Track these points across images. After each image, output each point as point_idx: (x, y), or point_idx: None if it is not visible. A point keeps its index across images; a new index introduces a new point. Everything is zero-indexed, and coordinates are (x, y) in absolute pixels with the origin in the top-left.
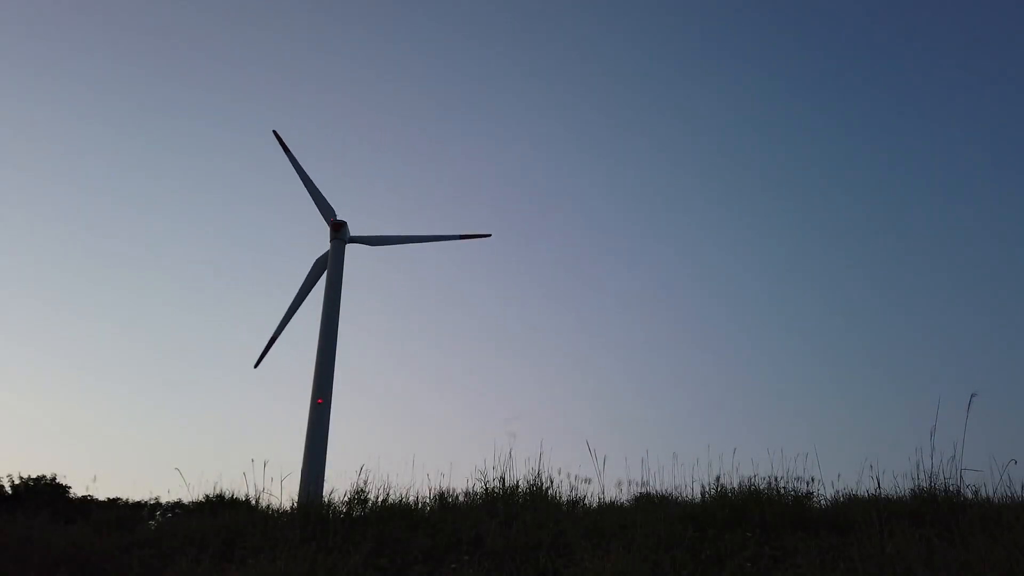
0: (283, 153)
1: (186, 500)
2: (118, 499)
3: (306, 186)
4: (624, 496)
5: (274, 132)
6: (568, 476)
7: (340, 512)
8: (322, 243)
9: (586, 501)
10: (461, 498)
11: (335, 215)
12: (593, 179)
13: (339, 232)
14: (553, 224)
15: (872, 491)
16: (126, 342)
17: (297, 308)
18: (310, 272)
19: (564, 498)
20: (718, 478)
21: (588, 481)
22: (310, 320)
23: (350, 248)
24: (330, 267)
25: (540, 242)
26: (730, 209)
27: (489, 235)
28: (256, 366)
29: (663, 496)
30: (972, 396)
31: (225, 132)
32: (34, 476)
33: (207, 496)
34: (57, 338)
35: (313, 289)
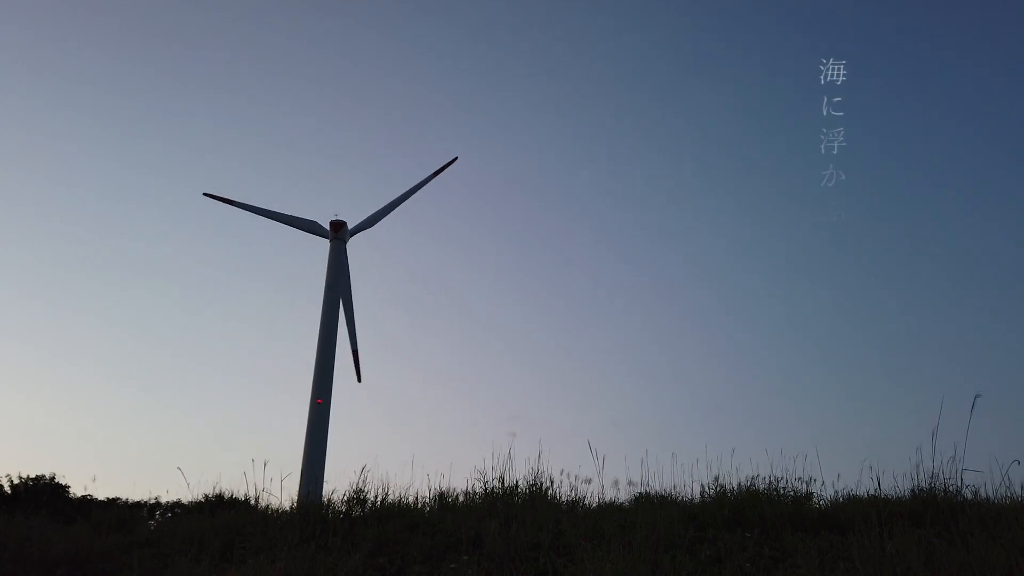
0: (231, 207)
1: (186, 500)
2: (117, 499)
3: (277, 220)
4: (624, 496)
5: (205, 194)
6: (568, 476)
7: (340, 512)
8: (323, 242)
9: (586, 501)
10: (461, 498)
11: (320, 224)
12: (594, 178)
13: (339, 232)
14: (554, 223)
15: (872, 491)
16: (126, 342)
17: (351, 308)
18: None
19: (564, 498)
20: (717, 478)
21: (588, 481)
22: (310, 320)
23: (351, 247)
24: (330, 267)
25: (541, 241)
26: (731, 207)
27: (456, 158)
28: (360, 380)
29: (663, 496)
30: (976, 397)
31: (224, 130)
32: (33, 476)
33: (207, 496)
34: (57, 338)
35: (314, 288)
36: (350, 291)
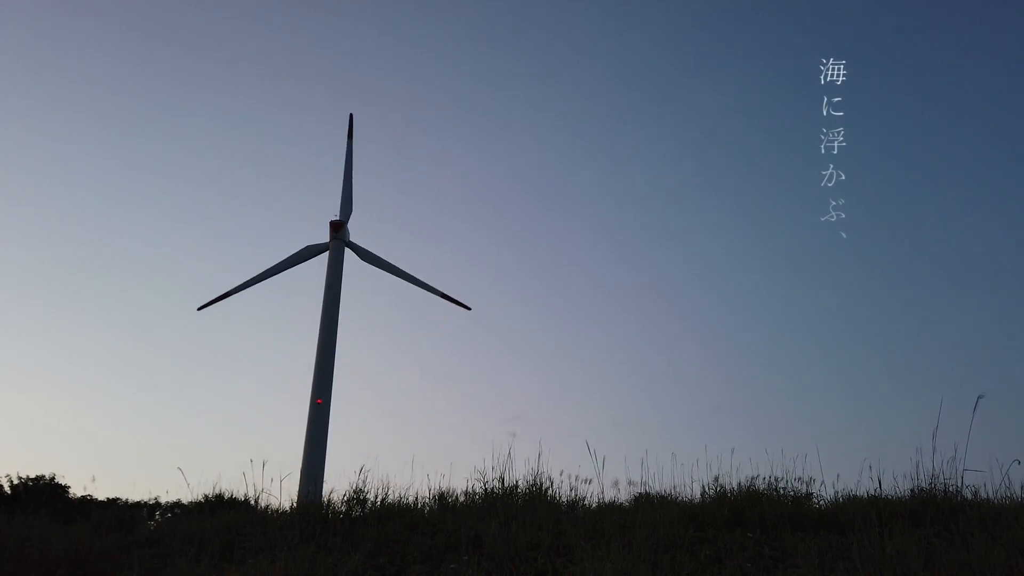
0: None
1: (185, 500)
2: (117, 499)
3: (276, 272)
4: (624, 496)
5: (199, 308)
6: (568, 476)
7: (339, 512)
8: (322, 240)
9: (586, 501)
10: (461, 498)
11: (313, 244)
12: (593, 177)
13: (339, 232)
14: (554, 223)
15: (872, 491)
16: (126, 342)
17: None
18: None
19: (564, 498)
20: (717, 478)
21: (588, 481)
22: (309, 320)
23: (355, 242)
24: (329, 267)
25: (541, 241)
26: (731, 207)
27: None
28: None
29: (663, 496)
30: (979, 398)
31: (225, 130)
32: (33, 476)
33: (206, 496)
34: (57, 338)
35: (311, 289)
36: (394, 266)
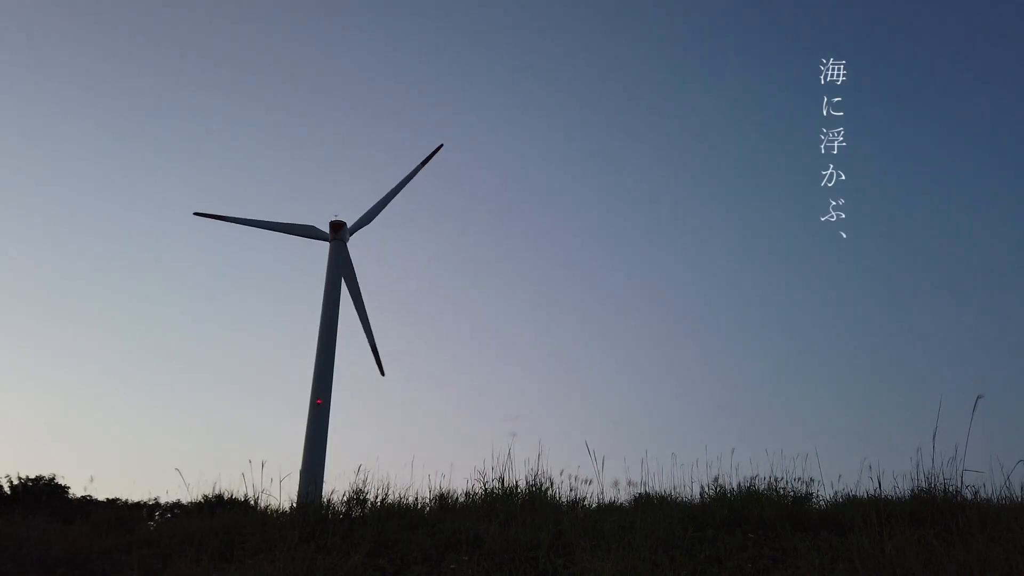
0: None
1: (185, 500)
2: (117, 499)
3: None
4: (624, 497)
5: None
6: (568, 476)
7: (339, 512)
8: (322, 243)
9: (585, 502)
10: (460, 499)
11: (317, 227)
12: (592, 179)
13: (338, 233)
14: (552, 223)
15: (872, 492)
16: (125, 342)
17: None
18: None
19: (563, 499)
20: (717, 478)
21: (588, 482)
22: (310, 320)
23: (352, 247)
24: (329, 267)
25: (540, 241)
26: (730, 207)
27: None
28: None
29: (662, 497)
30: (978, 398)
31: (224, 131)
32: (33, 476)
33: (206, 496)
34: (56, 338)
35: (312, 289)
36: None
